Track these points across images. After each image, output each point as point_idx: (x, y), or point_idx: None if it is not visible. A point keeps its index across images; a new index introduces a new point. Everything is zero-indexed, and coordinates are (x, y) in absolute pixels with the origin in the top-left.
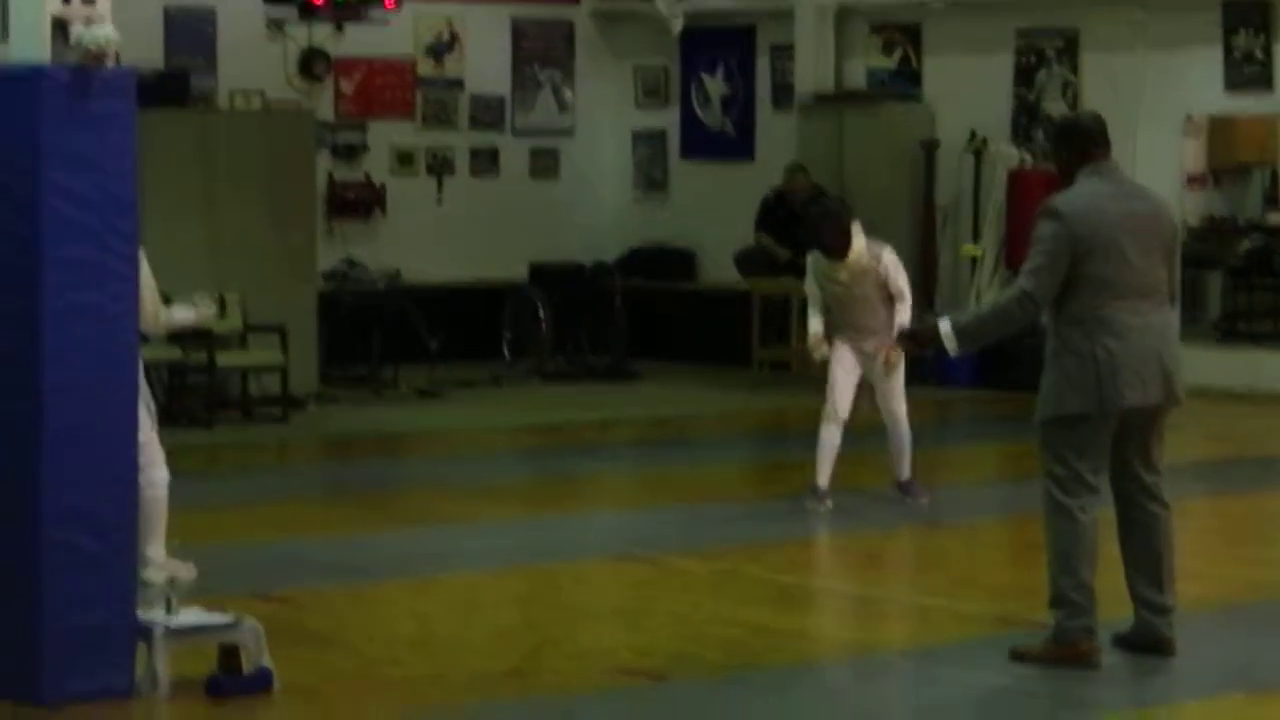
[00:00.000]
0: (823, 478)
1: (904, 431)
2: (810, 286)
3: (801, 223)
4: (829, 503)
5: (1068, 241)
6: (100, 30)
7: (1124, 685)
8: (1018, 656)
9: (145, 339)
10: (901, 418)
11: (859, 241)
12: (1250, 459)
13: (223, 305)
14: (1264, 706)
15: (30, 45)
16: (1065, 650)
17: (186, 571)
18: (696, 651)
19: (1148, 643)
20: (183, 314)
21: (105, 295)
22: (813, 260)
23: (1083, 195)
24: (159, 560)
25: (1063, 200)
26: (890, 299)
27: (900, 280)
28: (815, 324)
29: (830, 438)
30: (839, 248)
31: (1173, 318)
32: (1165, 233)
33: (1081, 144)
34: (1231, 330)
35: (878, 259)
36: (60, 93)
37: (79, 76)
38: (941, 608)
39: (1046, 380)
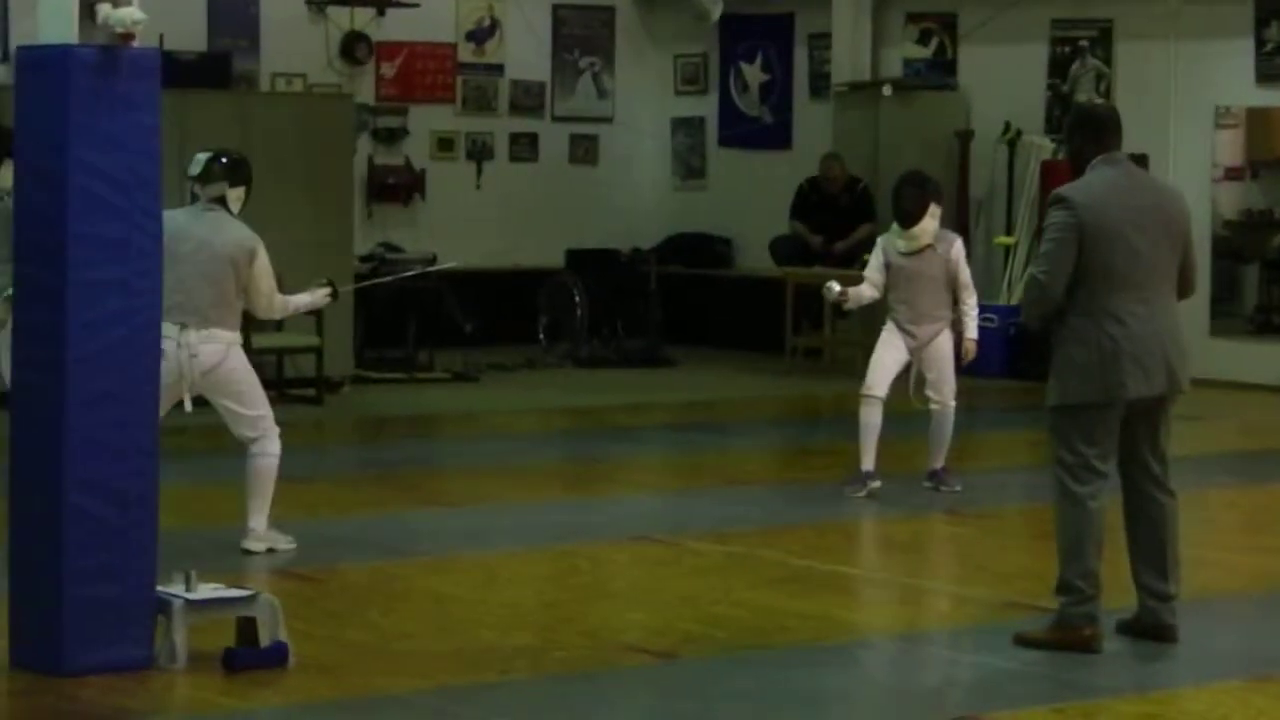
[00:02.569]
0: (867, 460)
1: (949, 421)
2: (873, 259)
3: (834, 207)
4: (875, 484)
5: (1076, 229)
6: (127, 11)
7: (1125, 670)
8: (1022, 641)
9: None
10: (950, 408)
11: (931, 222)
12: (1279, 451)
13: (334, 290)
14: (1261, 693)
15: (58, 26)
16: (1068, 635)
17: (285, 543)
18: (706, 631)
19: (1150, 629)
20: (299, 300)
21: (129, 271)
22: (882, 239)
23: (1093, 185)
24: (260, 531)
25: (1073, 189)
26: (952, 291)
27: (967, 273)
28: (857, 287)
29: (869, 417)
30: (913, 213)
31: (1178, 308)
32: (1175, 224)
33: (1095, 134)
34: (1266, 323)
35: (949, 245)
36: (87, 73)
37: (106, 57)
38: (951, 592)
39: (1054, 367)
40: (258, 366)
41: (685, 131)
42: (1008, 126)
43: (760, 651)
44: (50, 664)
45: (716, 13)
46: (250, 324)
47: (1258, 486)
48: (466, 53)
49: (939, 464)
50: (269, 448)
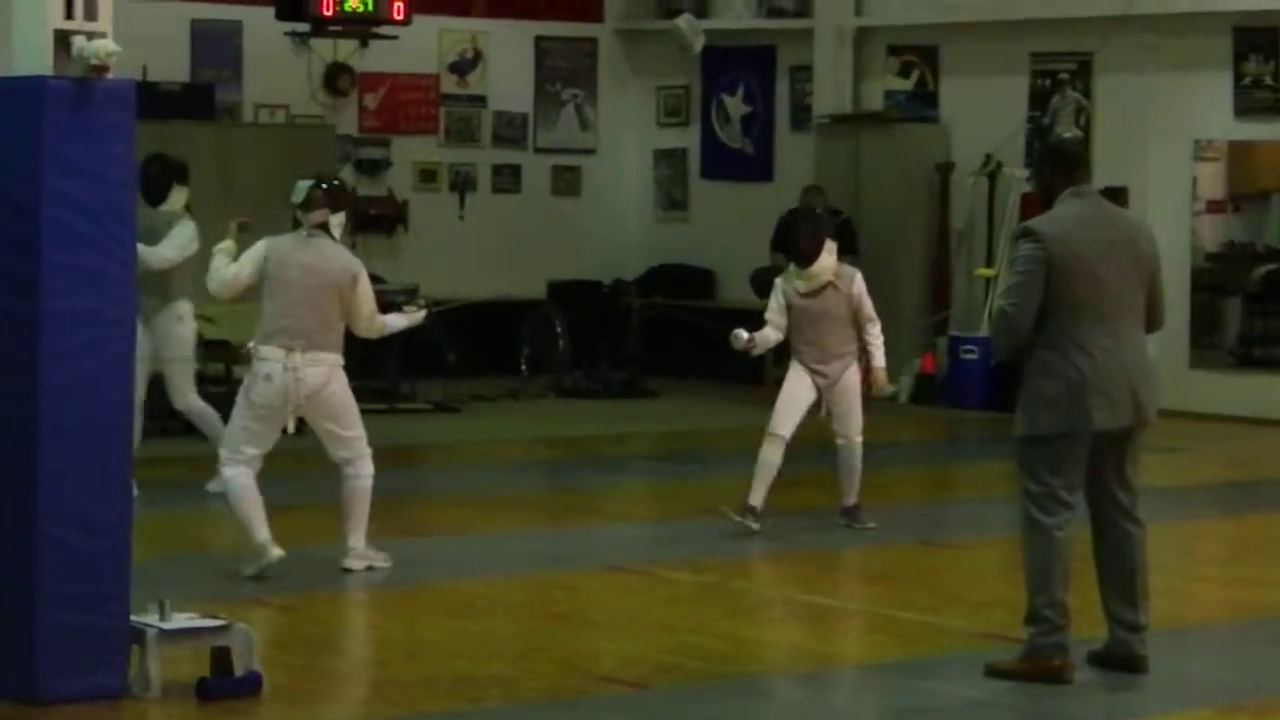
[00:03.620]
0: (755, 496)
1: (856, 457)
2: (773, 301)
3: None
4: (754, 525)
5: (1044, 262)
6: (101, 43)
7: (1094, 700)
8: (992, 671)
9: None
10: (857, 444)
11: (828, 259)
12: (1260, 483)
13: (429, 312)
14: None
15: (33, 58)
16: (1038, 666)
17: (383, 561)
18: (678, 661)
19: (1120, 659)
20: (396, 320)
21: (102, 300)
22: (780, 280)
23: (1061, 218)
24: (360, 549)
25: (1041, 222)
26: (856, 327)
27: (870, 306)
28: (761, 332)
29: (769, 455)
30: (808, 252)
31: (1145, 340)
32: (1143, 257)
33: (1063, 167)
34: (1247, 356)
35: (850, 281)
36: (62, 104)
37: (80, 88)
38: (925, 623)
39: (1022, 398)
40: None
41: (667, 163)
42: (988, 159)
43: (732, 681)
44: (24, 692)
45: (699, 45)
46: (231, 355)
47: (1236, 518)
48: (449, 84)
49: (851, 500)
50: (363, 469)
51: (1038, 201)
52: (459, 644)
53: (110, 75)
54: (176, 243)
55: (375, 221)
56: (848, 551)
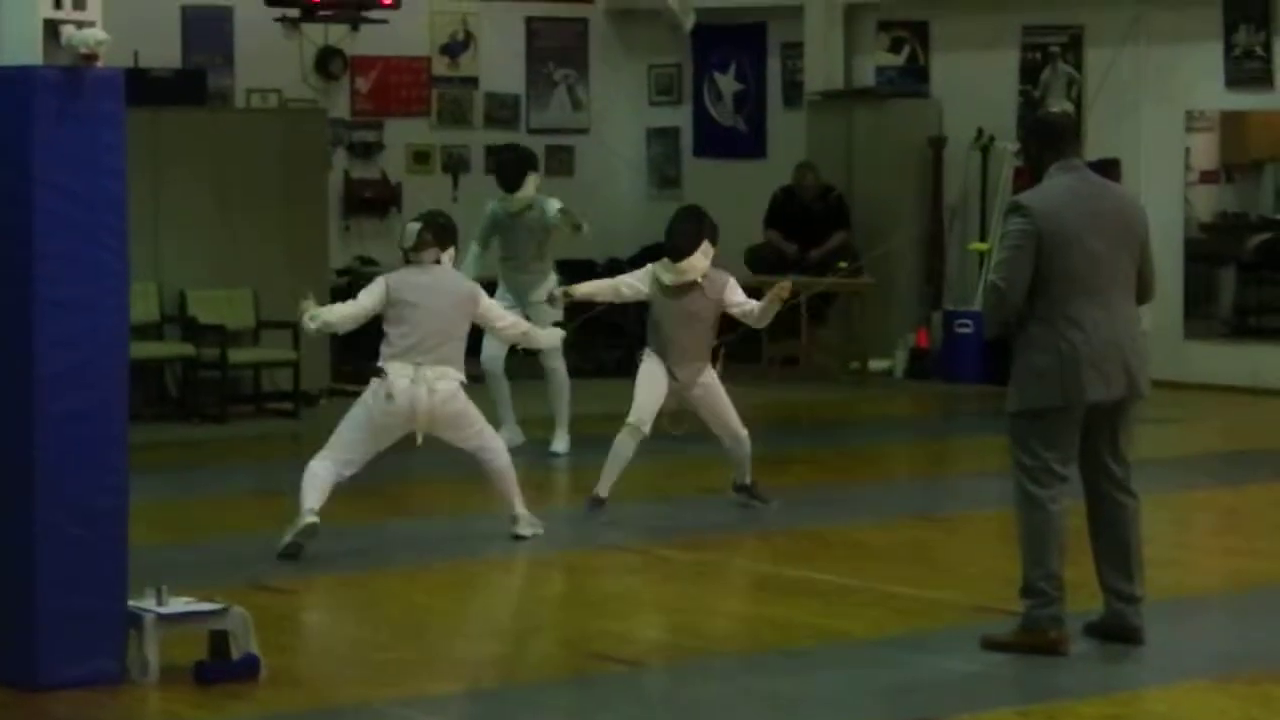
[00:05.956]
0: (604, 487)
1: (746, 446)
2: (640, 273)
3: (809, 216)
4: (602, 516)
5: (1034, 237)
6: (90, 32)
7: (1090, 672)
8: (988, 644)
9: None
10: (739, 433)
11: (702, 260)
12: (1255, 452)
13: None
14: (1225, 693)
15: (22, 47)
16: (1034, 638)
17: (539, 528)
18: (675, 639)
19: (1117, 631)
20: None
21: (96, 289)
22: (653, 265)
23: (1050, 191)
24: (525, 515)
25: (1030, 196)
26: (718, 330)
27: (741, 293)
28: (590, 285)
29: (625, 448)
30: (683, 248)
31: (1136, 312)
32: (1132, 229)
33: (1051, 141)
34: (1242, 325)
35: (720, 288)
36: (52, 92)
37: (70, 77)
38: (921, 597)
39: (1014, 373)
40: (234, 381)
41: (660, 142)
42: (980, 133)
43: (729, 658)
44: (24, 678)
45: (689, 24)
46: (226, 339)
47: (1231, 488)
48: (441, 66)
49: (746, 480)
50: (493, 444)
51: (1029, 175)
52: (457, 624)
53: (100, 63)
54: (556, 205)
55: (368, 204)
56: (842, 528)
